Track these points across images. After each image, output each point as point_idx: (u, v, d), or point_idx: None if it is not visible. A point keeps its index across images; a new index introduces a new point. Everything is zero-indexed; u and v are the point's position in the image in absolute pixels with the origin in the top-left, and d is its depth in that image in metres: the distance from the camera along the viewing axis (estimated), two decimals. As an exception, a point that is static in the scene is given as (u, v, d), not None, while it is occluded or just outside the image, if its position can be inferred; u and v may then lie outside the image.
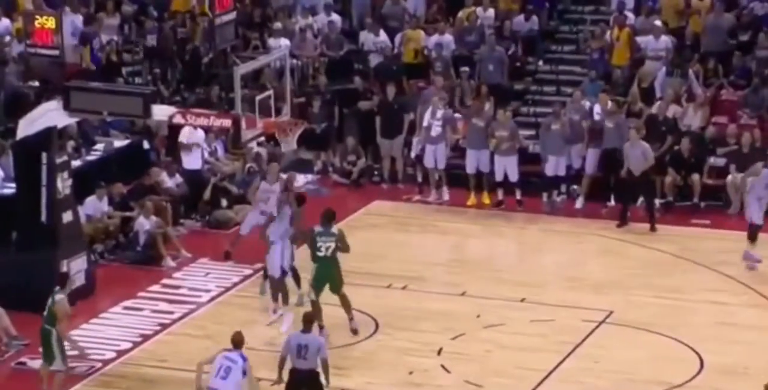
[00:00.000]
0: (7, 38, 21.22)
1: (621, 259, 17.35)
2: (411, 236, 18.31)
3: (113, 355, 14.45)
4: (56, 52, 18.95)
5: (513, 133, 19.12)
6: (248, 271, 16.74)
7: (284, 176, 16.65)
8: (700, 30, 21.31)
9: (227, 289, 16.37)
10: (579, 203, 19.25)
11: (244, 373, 11.73)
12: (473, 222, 18.88)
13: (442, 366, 14.12)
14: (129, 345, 14.73)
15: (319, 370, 12.21)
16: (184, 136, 19.04)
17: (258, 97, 14.90)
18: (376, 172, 20.65)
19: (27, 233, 15.75)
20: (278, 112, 15.31)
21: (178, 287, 16.45)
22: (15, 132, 16.00)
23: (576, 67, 21.90)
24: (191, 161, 19.17)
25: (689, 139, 19.19)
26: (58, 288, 13.09)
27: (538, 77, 22.23)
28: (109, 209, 17.78)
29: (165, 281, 16.63)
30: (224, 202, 18.86)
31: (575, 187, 19.42)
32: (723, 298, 16.00)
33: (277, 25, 22.52)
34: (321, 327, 14.17)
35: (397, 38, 22.22)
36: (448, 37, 21.94)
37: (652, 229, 18.31)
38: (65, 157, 15.94)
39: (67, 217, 15.71)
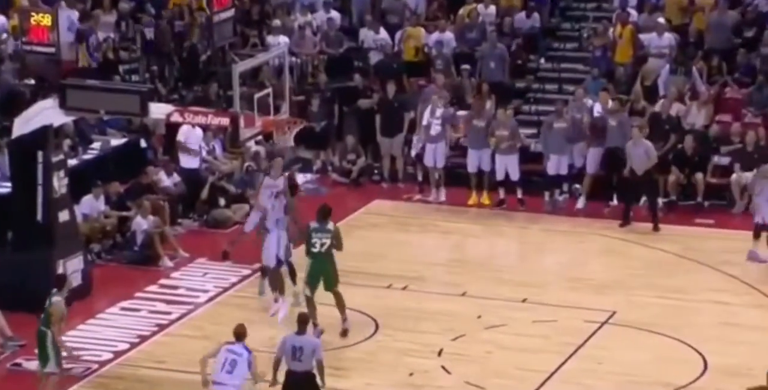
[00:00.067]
0: (3, 35, 21.19)
1: (624, 259, 17.34)
2: (411, 236, 18.29)
3: (110, 356, 14.43)
4: (52, 50, 19.04)
5: (513, 132, 19.08)
6: (246, 272, 16.73)
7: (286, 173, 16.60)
8: (703, 27, 21.24)
9: (225, 290, 16.36)
10: (581, 203, 19.20)
11: (250, 365, 11.75)
12: (474, 221, 18.86)
13: (443, 367, 14.08)
14: (126, 346, 14.70)
15: (315, 371, 12.21)
16: (183, 135, 19.00)
17: (257, 95, 14.92)
18: (376, 171, 20.63)
19: (23, 233, 15.73)
20: (277, 110, 15.30)
21: (175, 287, 16.44)
22: (10, 130, 15.93)
23: (578, 64, 21.84)
24: (189, 160, 19.11)
25: (693, 138, 19.15)
26: (55, 290, 13.04)
27: (540, 75, 22.16)
28: (106, 208, 17.75)
29: (162, 281, 16.61)
30: (222, 202, 18.86)
31: (577, 186, 19.37)
32: (726, 298, 15.98)
33: (276, 22, 22.47)
34: (315, 325, 14.13)
35: (398, 35, 22.19)
36: (448, 35, 21.89)
37: (655, 228, 18.28)
38: (61, 156, 15.93)
39: (63, 216, 15.70)
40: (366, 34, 22.34)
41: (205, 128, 18.64)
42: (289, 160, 19.76)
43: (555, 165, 19.07)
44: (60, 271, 15.06)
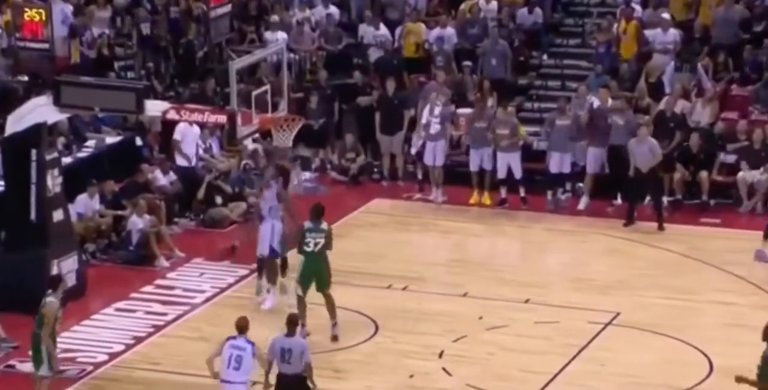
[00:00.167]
0: (-4, 31, 21.08)
1: (628, 259, 17.28)
2: (411, 235, 18.26)
3: (105, 357, 14.35)
4: (46, 46, 19.07)
5: (513, 131, 19.00)
6: (244, 272, 16.69)
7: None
8: (709, 22, 21.15)
9: (222, 290, 16.31)
10: (582, 204, 19.07)
11: (254, 356, 11.85)
12: (475, 221, 18.81)
13: (444, 369, 13.99)
14: (121, 347, 14.63)
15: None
16: (179, 133, 18.95)
17: (254, 93, 14.89)
18: (375, 170, 20.56)
19: (16, 232, 15.68)
20: (275, 107, 15.23)
21: (171, 288, 16.42)
22: (3, 128, 15.86)
23: (582, 61, 21.74)
24: (184, 160, 19.01)
25: (699, 136, 19.07)
26: (50, 291, 12.95)
27: (543, 72, 22.08)
28: (101, 208, 17.69)
29: (158, 282, 16.57)
30: (219, 200, 18.80)
31: (580, 184, 19.29)
32: (732, 298, 15.94)
33: (274, 17, 22.41)
34: (303, 325, 14.08)
35: (398, 31, 22.14)
36: (449, 31, 21.80)
37: (660, 228, 18.21)
38: (55, 154, 15.86)
39: (57, 215, 15.64)
40: (365, 30, 22.25)
41: (201, 126, 18.58)
42: (289, 160, 19.68)
43: (557, 163, 18.97)
44: (54, 271, 15.01)
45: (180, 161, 18.97)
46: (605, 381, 13.72)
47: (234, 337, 11.94)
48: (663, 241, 17.76)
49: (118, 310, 15.63)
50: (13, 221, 15.62)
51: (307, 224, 14.49)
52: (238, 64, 15.07)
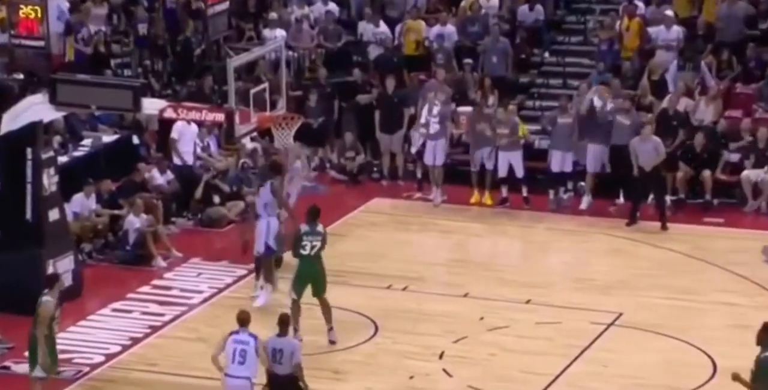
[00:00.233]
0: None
1: (630, 259, 17.24)
2: (412, 235, 18.22)
3: (101, 358, 14.31)
4: (42, 43, 19.00)
5: (514, 130, 18.94)
6: (242, 272, 16.64)
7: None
8: (713, 19, 21.11)
9: (220, 291, 16.27)
10: (585, 203, 19.00)
11: (257, 351, 11.90)
12: (476, 220, 18.77)
13: (444, 370, 13.95)
14: (118, 348, 14.58)
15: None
16: (176, 132, 18.92)
17: (252, 91, 14.85)
18: (375, 169, 20.51)
19: (11, 232, 15.60)
20: (273, 105, 15.18)
21: (169, 288, 16.37)
22: (-1, 127, 15.93)
23: (584, 58, 21.71)
24: (181, 159, 18.98)
25: (702, 134, 19.04)
26: (46, 290, 12.89)
27: (544, 70, 22.03)
28: (98, 207, 17.66)
29: (155, 282, 16.55)
30: (217, 199, 18.76)
31: (582, 183, 19.22)
32: (736, 299, 15.90)
33: (273, 15, 22.40)
34: (296, 330, 14.05)
35: (398, 29, 22.12)
36: (450, 28, 21.76)
37: (663, 227, 18.16)
38: (51, 153, 15.85)
39: (53, 215, 15.60)
40: (365, 28, 22.21)
41: (199, 124, 18.58)
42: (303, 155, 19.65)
43: (559, 162, 18.91)
44: (50, 271, 14.93)
45: (177, 160, 18.93)
46: (607, 382, 13.68)
47: (236, 332, 11.97)
48: (666, 240, 17.73)
49: (114, 310, 15.60)
50: (8, 221, 15.55)
51: (304, 227, 14.43)
52: (236, 61, 15.05)
